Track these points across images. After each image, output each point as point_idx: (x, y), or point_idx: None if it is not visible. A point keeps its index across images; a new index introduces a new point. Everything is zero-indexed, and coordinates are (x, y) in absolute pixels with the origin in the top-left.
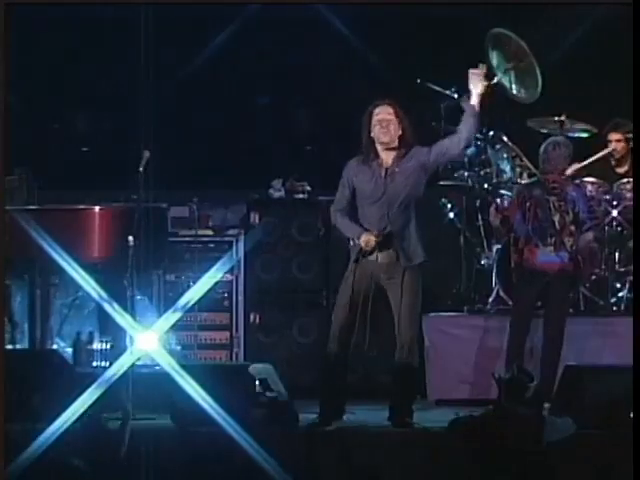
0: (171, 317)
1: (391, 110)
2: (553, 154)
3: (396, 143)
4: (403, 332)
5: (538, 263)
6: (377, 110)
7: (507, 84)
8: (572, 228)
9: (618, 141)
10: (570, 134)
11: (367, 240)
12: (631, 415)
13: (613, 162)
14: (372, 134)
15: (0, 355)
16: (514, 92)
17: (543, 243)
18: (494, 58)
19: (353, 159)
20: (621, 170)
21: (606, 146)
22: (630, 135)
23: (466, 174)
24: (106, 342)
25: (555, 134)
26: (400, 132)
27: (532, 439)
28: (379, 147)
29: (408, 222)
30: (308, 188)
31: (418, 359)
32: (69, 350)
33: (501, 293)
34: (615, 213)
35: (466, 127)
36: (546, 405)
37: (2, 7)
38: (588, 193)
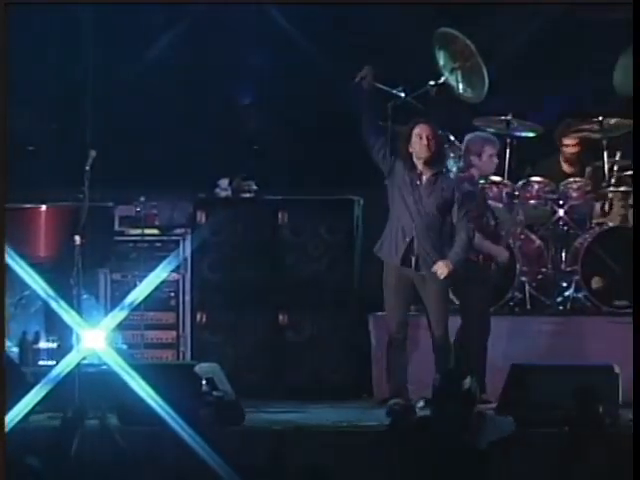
0: (117, 316)
1: (430, 129)
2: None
3: (431, 159)
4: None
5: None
6: (418, 128)
7: (454, 83)
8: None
9: (567, 142)
10: (517, 133)
11: None
12: (576, 414)
13: (563, 163)
14: (410, 149)
15: (0, 355)
16: (461, 91)
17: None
18: (441, 57)
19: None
20: (570, 170)
21: (557, 147)
22: (581, 135)
23: None
24: (52, 341)
25: (502, 134)
26: (435, 149)
27: (472, 438)
28: (417, 161)
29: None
30: (255, 187)
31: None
32: (15, 349)
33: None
34: (561, 212)
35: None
36: (492, 405)
37: (2, 7)
38: (534, 193)
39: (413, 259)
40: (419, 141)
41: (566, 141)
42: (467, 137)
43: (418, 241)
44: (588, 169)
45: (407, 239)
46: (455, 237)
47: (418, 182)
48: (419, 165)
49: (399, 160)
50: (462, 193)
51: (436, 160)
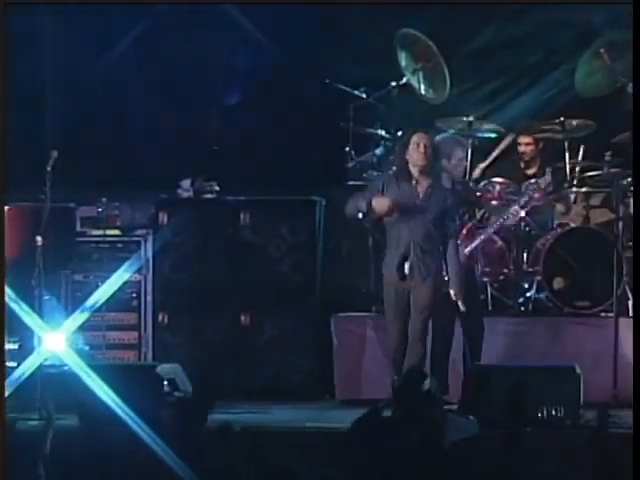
0: (79, 317)
1: (427, 138)
2: None
3: (428, 167)
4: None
5: None
6: (415, 137)
7: (416, 84)
8: None
9: (527, 143)
10: (478, 134)
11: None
12: (538, 415)
13: (522, 164)
14: (407, 156)
15: (0, 355)
16: (422, 92)
17: None
18: (402, 58)
19: (385, 174)
20: (530, 172)
21: (515, 148)
22: (541, 135)
23: (375, 174)
24: (13, 342)
25: (464, 135)
26: (431, 158)
27: (434, 439)
28: (413, 169)
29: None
30: (217, 188)
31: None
32: None
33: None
34: (523, 213)
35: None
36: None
37: (2, 7)
38: (496, 194)
39: (409, 269)
40: (416, 149)
41: (524, 141)
42: (437, 139)
43: (415, 251)
44: (548, 169)
45: (403, 251)
46: (448, 258)
47: (415, 193)
48: (415, 173)
49: (393, 175)
50: (454, 204)
51: (432, 169)
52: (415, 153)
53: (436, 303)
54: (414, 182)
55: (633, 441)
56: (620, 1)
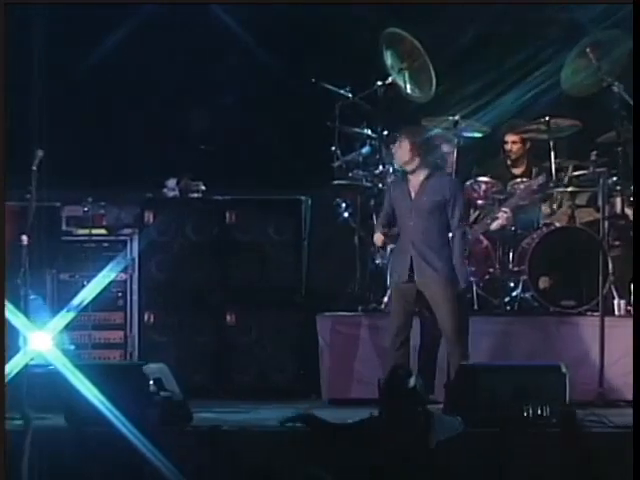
0: (65, 317)
1: (417, 135)
2: None
3: (413, 168)
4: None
5: None
6: (404, 134)
7: (402, 83)
8: None
9: (514, 142)
10: (464, 134)
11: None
12: (524, 414)
13: (509, 162)
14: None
15: (0, 356)
16: (409, 91)
17: None
18: (388, 57)
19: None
20: (517, 171)
21: (502, 147)
22: (527, 135)
23: (361, 173)
24: None
25: (450, 134)
26: (417, 159)
27: (421, 438)
28: (403, 168)
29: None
30: (202, 187)
31: None
32: None
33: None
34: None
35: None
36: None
37: (2, 7)
38: (482, 193)
39: (414, 270)
40: (400, 147)
41: (510, 140)
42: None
43: (416, 249)
44: (535, 169)
45: (406, 252)
46: (454, 246)
47: (407, 193)
48: (406, 172)
49: (391, 182)
50: (457, 193)
51: (423, 165)
52: (400, 151)
53: (451, 297)
54: (406, 182)
55: (633, 441)
56: (620, 1)
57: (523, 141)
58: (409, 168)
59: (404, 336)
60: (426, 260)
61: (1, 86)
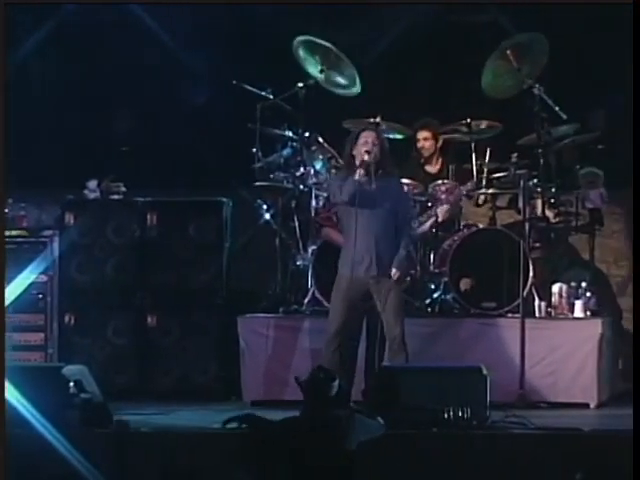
0: None
1: (375, 135)
2: None
3: (377, 164)
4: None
5: None
6: (364, 134)
7: (324, 84)
8: None
9: (425, 139)
10: (385, 135)
11: None
12: (445, 416)
13: (422, 161)
14: (354, 152)
15: (0, 356)
16: (333, 88)
17: None
18: (305, 64)
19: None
20: (431, 169)
21: (414, 145)
22: (446, 136)
23: (282, 175)
24: None
25: None
26: (379, 156)
27: (341, 440)
28: (362, 166)
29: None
30: (123, 189)
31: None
32: None
33: (317, 294)
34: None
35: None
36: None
37: (2, 7)
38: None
39: (368, 263)
40: (364, 145)
41: (422, 137)
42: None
43: (369, 245)
44: (451, 167)
45: (358, 245)
46: (402, 241)
47: (367, 188)
48: (362, 170)
49: (343, 172)
50: (405, 196)
51: (381, 165)
52: (363, 149)
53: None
54: (363, 178)
55: (633, 441)
56: (620, 1)
57: (435, 137)
58: (368, 165)
59: (343, 337)
60: (373, 257)
61: (1, 86)
